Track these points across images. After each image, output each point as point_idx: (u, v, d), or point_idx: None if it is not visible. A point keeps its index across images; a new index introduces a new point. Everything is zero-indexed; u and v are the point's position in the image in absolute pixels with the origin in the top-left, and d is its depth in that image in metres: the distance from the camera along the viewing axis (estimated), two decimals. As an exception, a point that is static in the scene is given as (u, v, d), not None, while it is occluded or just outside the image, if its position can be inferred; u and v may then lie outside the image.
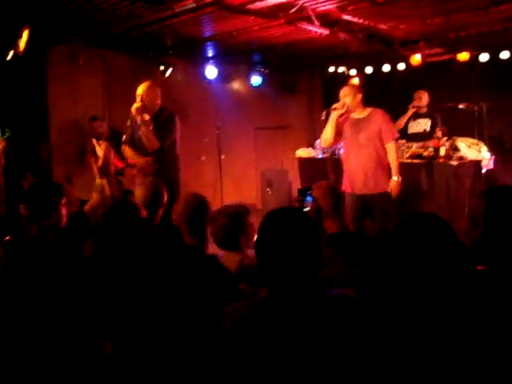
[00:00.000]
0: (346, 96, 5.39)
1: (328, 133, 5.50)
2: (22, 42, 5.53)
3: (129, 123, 5.35)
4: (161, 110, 5.22)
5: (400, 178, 5.36)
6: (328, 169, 6.79)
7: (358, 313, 1.84)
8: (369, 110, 5.50)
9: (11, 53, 5.52)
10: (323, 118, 5.75)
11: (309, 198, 3.28)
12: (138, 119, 5.05)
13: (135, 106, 5.04)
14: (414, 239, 1.89)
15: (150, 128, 5.05)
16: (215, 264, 2.73)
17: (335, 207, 3.22)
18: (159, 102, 5.22)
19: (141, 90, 5.13)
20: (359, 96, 5.43)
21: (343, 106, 5.35)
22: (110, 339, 2.26)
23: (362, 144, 5.41)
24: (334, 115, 5.41)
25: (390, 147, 5.40)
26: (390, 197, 5.33)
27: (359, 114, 5.47)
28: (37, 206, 2.85)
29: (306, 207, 3.25)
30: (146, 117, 5.09)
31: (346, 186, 5.49)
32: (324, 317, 1.80)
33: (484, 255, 2.01)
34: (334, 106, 5.41)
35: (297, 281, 1.83)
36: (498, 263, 1.95)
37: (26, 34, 5.55)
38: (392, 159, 5.39)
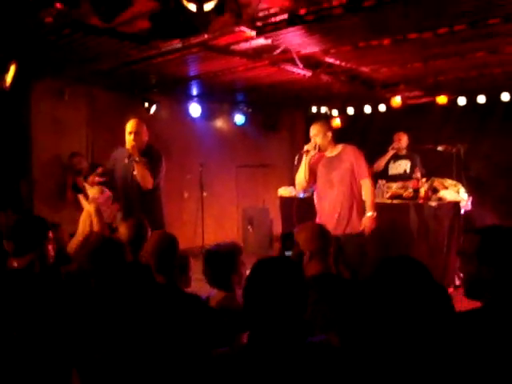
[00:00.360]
0: (316, 135, 5.25)
1: (301, 176, 5.36)
2: (9, 77, 5.58)
3: (111, 163, 5.29)
4: (148, 146, 5.15)
5: (375, 214, 5.17)
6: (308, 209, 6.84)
7: (341, 361, 1.85)
8: (340, 147, 5.34)
9: (-3, 87, 5.55)
10: (296, 162, 5.52)
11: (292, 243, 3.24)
12: (135, 157, 4.91)
13: (131, 144, 4.93)
14: (391, 284, 1.90)
15: (145, 166, 4.93)
16: (186, 302, 2.72)
17: (322, 249, 3.11)
18: (147, 138, 5.15)
19: (132, 127, 5.04)
20: (329, 134, 5.29)
21: (314, 146, 5.23)
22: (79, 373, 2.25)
23: (334, 183, 5.26)
24: (306, 158, 5.29)
25: (365, 184, 5.22)
26: (364, 237, 5.13)
27: (331, 152, 5.31)
28: (22, 240, 2.82)
29: (288, 251, 3.21)
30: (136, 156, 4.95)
31: None
32: (307, 365, 1.81)
33: (479, 291, 2.07)
34: (306, 147, 5.30)
35: (281, 327, 1.85)
36: (495, 299, 2.00)
37: (12, 69, 5.60)
38: (367, 195, 5.22)
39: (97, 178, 5.67)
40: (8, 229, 2.85)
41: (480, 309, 2.04)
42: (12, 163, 7.21)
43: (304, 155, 5.31)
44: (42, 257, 2.82)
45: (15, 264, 2.77)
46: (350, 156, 5.25)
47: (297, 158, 5.53)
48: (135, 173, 4.95)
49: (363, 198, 5.24)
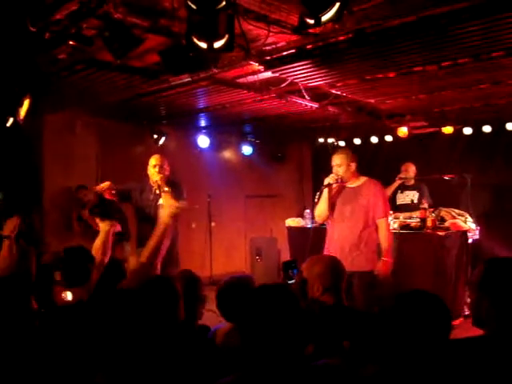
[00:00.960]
0: (339, 166, 5.02)
1: (322, 208, 5.13)
2: (23, 111, 5.68)
3: (137, 195, 5.50)
4: (169, 179, 5.37)
5: (390, 260, 4.92)
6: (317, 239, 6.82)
7: (341, 377, 1.89)
8: (363, 180, 5.10)
9: (11, 120, 5.65)
10: (316, 200, 5.22)
11: (295, 271, 3.21)
12: (164, 188, 5.14)
13: (159, 176, 5.21)
14: (410, 318, 1.96)
15: (172, 195, 5.13)
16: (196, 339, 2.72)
17: (335, 284, 3.08)
18: (169, 172, 5.41)
19: (157, 160, 5.35)
20: (353, 165, 5.05)
21: (336, 180, 5.00)
22: None
23: (346, 216, 5.01)
24: (326, 192, 5.07)
25: (381, 224, 4.96)
26: (373, 277, 4.86)
27: (352, 183, 5.07)
28: (72, 272, 2.85)
29: (291, 280, 3.19)
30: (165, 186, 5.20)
31: None
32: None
33: (482, 320, 2.11)
34: (327, 180, 5.04)
35: (280, 357, 1.86)
36: (496, 328, 2.04)
37: (26, 103, 5.71)
38: (383, 237, 4.94)
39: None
40: (58, 259, 2.87)
41: (479, 337, 2.08)
42: (24, 194, 7.30)
43: (324, 190, 5.08)
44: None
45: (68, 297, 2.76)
46: (370, 191, 5.01)
47: (317, 195, 5.21)
48: (161, 203, 5.14)
49: (379, 239, 4.98)
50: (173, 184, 5.33)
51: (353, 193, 5.04)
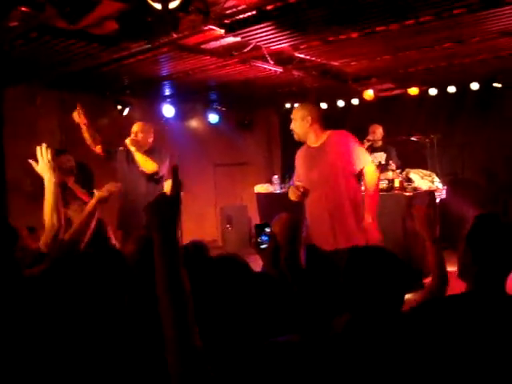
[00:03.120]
0: (293, 121, 4.35)
1: None
2: (-22, 84, 5.52)
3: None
4: (153, 147, 5.61)
5: (370, 220, 4.20)
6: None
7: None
8: (326, 134, 4.31)
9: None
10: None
11: (263, 237, 3.07)
12: (131, 149, 5.31)
13: (129, 138, 5.36)
14: (362, 274, 1.98)
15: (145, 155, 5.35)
16: None
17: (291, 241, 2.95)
18: (151, 140, 5.60)
19: (136, 127, 5.51)
20: (310, 119, 4.27)
21: (298, 195, 4.23)
22: None
23: (315, 182, 4.24)
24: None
25: (368, 172, 4.24)
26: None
27: (314, 142, 4.32)
28: None
29: (263, 244, 3.05)
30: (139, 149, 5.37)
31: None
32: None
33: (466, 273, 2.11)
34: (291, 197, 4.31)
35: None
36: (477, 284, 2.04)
37: (-19, 76, 5.55)
38: (368, 190, 4.25)
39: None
40: None
41: (462, 294, 2.08)
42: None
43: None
44: None
45: None
46: (335, 145, 4.22)
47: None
48: (139, 166, 5.35)
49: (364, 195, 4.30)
50: (153, 150, 5.53)
51: (316, 153, 4.28)
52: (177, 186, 1.69)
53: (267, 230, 2.94)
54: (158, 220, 1.61)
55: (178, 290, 1.53)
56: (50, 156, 3.29)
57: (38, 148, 3.35)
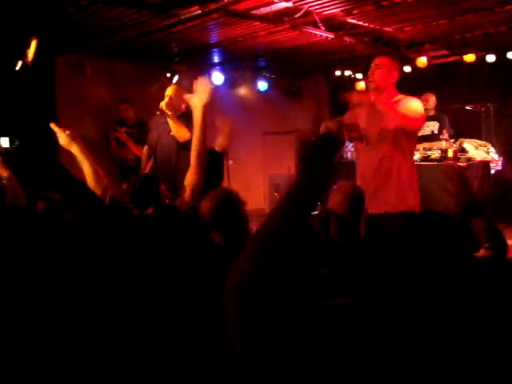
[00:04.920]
0: (378, 68, 4.11)
1: None
2: (31, 52, 5.59)
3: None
4: (186, 111, 5.35)
5: None
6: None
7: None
8: (400, 97, 4.16)
9: (20, 63, 5.57)
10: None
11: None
12: (167, 113, 5.24)
13: (163, 102, 5.29)
14: (423, 239, 1.88)
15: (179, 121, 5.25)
16: None
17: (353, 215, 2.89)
18: (184, 105, 5.34)
19: (170, 90, 5.43)
20: (395, 74, 4.14)
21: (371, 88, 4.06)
22: None
23: (370, 140, 4.15)
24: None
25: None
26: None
27: (385, 98, 4.07)
28: None
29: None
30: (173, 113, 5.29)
31: None
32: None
33: None
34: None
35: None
36: None
37: (34, 44, 5.61)
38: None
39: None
40: None
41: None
42: (39, 138, 7.26)
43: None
44: None
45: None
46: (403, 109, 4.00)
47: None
48: (172, 132, 5.26)
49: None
50: (186, 115, 5.22)
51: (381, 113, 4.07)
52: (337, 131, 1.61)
53: None
54: (310, 162, 1.53)
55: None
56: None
57: (51, 125, 3.38)
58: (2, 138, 7.32)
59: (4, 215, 2.36)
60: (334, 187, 3.06)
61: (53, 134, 3.58)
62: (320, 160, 1.53)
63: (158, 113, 5.46)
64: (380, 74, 4.09)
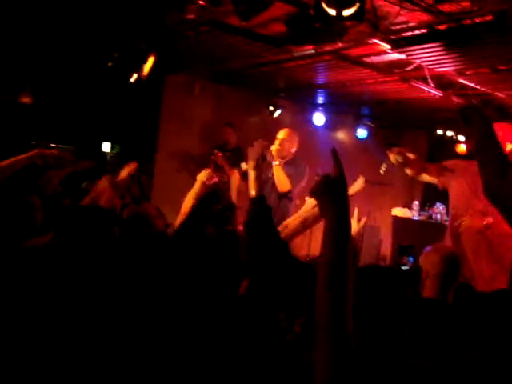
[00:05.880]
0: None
1: None
2: (147, 67, 5.83)
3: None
4: (295, 158, 5.49)
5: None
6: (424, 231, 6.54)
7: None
8: None
9: (135, 76, 5.82)
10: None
11: (410, 259, 2.97)
12: (275, 161, 5.28)
13: (275, 147, 5.31)
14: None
15: (284, 172, 5.28)
16: None
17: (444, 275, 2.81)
18: (294, 151, 5.49)
19: (283, 134, 5.45)
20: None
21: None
22: None
23: (478, 209, 3.91)
24: None
25: None
26: None
27: None
28: None
29: (404, 265, 2.97)
30: (280, 161, 5.32)
31: None
32: None
33: None
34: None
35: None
36: None
37: (151, 60, 5.86)
38: None
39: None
40: None
41: None
42: (139, 149, 7.57)
43: None
44: None
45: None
46: None
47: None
48: (272, 176, 5.31)
49: None
50: (294, 164, 5.39)
51: None
52: (339, 165, 1.62)
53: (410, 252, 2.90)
54: (328, 199, 1.55)
55: (341, 273, 1.47)
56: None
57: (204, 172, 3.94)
58: (105, 143, 7.73)
59: (101, 215, 2.56)
60: (430, 248, 3.00)
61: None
62: (335, 195, 1.58)
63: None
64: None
